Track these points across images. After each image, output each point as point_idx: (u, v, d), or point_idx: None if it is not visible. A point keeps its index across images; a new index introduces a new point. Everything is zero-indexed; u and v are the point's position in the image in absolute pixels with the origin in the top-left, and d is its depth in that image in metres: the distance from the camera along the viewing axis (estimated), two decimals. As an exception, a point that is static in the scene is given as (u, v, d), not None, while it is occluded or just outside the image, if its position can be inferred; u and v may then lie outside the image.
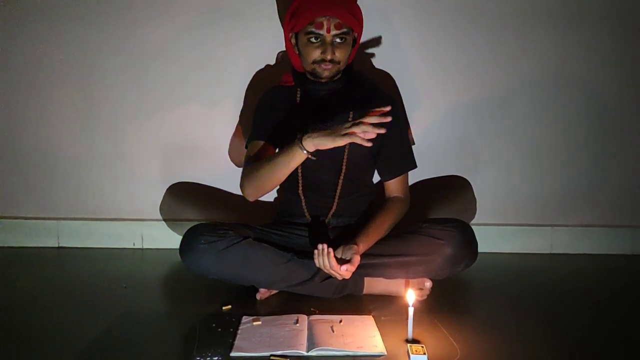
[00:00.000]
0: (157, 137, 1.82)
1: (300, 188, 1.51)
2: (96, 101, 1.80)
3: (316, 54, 1.39)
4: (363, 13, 1.46)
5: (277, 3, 1.73)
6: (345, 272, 1.24)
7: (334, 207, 1.50)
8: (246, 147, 1.53)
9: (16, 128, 1.82)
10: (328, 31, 1.36)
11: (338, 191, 1.49)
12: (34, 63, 1.78)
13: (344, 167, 1.48)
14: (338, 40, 1.38)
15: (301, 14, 1.37)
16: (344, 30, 1.38)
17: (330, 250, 1.24)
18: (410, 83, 1.78)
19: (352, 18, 1.37)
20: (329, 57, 1.38)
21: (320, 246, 1.25)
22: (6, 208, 1.87)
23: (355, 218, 1.53)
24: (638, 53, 1.79)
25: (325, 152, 1.46)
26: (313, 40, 1.38)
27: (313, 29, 1.37)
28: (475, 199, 1.86)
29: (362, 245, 1.31)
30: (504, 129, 1.83)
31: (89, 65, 1.78)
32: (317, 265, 1.27)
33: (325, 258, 1.24)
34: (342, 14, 1.35)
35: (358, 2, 1.47)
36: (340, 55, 1.39)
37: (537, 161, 1.85)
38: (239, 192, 1.44)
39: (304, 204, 1.51)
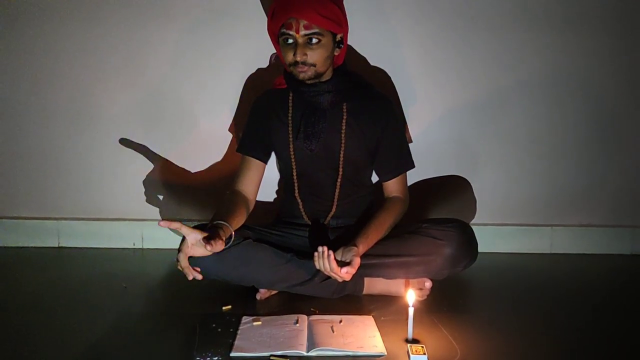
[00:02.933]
0: (157, 137, 1.82)
1: (297, 191, 1.50)
2: (96, 101, 1.80)
3: (290, 56, 1.37)
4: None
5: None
6: (345, 274, 1.23)
7: (333, 210, 1.50)
8: (237, 151, 1.52)
9: (17, 128, 1.82)
10: (297, 31, 1.33)
11: (337, 193, 1.49)
12: (34, 63, 1.77)
13: (340, 169, 1.47)
14: (310, 41, 1.35)
15: (274, 17, 1.37)
16: (315, 31, 1.34)
17: (331, 253, 1.23)
18: (409, 83, 1.78)
19: (323, 19, 1.33)
20: (298, 59, 1.34)
21: (320, 249, 1.24)
22: (7, 208, 1.87)
23: (355, 219, 1.53)
24: (637, 53, 1.78)
25: (320, 153, 1.46)
26: (286, 42, 1.37)
27: (284, 30, 1.35)
28: (474, 198, 1.86)
29: (362, 247, 1.30)
30: (504, 129, 1.83)
31: (89, 65, 1.77)
32: (317, 267, 1.26)
33: (325, 261, 1.23)
34: (309, 15, 1.32)
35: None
36: (313, 57, 1.35)
37: (537, 161, 1.85)
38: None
39: (301, 207, 1.51)
